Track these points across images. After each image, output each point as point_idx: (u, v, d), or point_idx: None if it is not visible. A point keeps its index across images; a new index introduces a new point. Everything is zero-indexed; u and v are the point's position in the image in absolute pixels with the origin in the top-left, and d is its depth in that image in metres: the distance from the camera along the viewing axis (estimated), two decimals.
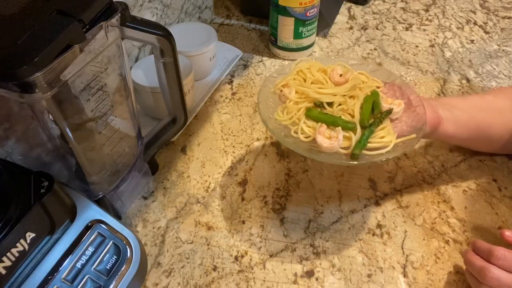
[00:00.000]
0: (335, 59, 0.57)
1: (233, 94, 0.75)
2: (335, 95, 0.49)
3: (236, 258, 0.52)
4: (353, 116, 0.48)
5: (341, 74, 0.52)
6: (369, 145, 0.46)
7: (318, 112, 0.48)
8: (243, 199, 0.58)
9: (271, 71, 0.80)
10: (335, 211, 0.57)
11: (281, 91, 0.51)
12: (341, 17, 0.95)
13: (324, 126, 0.47)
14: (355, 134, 0.46)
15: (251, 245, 0.53)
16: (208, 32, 0.72)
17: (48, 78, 0.35)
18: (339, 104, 0.49)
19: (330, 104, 0.49)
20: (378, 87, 0.52)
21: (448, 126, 0.54)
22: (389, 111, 0.48)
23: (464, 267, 0.48)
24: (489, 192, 0.59)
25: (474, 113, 0.56)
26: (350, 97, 0.50)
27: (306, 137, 0.47)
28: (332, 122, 0.47)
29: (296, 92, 0.50)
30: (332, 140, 0.46)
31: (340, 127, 0.46)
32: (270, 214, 0.57)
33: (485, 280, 0.43)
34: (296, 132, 0.48)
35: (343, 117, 0.48)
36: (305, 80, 0.52)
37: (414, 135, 0.48)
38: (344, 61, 0.56)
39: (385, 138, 0.47)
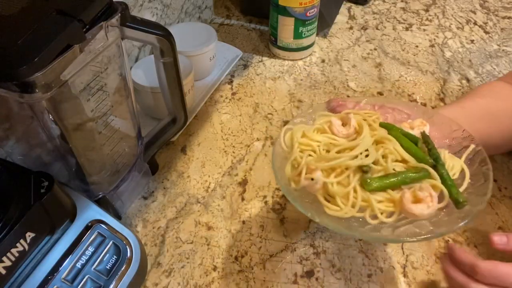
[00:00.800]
0: (310, 112, 0.48)
1: (233, 94, 0.75)
2: (367, 150, 0.40)
3: (236, 258, 0.52)
4: (404, 162, 0.40)
5: (343, 124, 0.44)
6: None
7: (378, 179, 0.39)
8: (243, 199, 0.58)
9: (271, 71, 0.80)
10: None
11: (312, 179, 0.40)
12: (341, 17, 0.95)
13: (407, 191, 0.38)
14: (435, 179, 0.38)
15: (251, 245, 0.53)
16: (208, 32, 0.72)
17: (48, 78, 0.35)
18: (383, 157, 0.40)
19: (374, 162, 0.40)
20: (377, 119, 0.45)
21: None
22: (427, 136, 0.41)
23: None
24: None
25: (475, 125, 0.52)
26: (375, 143, 0.42)
27: (388, 217, 0.38)
28: (403, 181, 0.38)
29: (323, 170, 0.40)
30: (427, 202, 0.37)
31: (423, 182, 0.38)
32: (270, 214, 0.57)
33: None
34: (374, 217, 0.38)
35: (397, 168, 0.39)
36: (314, 152, 0.42)
37: (473, 145, 0.41)
38: (313, 111, 0.47)
39: (456, 166, 0.40)
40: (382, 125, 0.43)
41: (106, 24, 0.39)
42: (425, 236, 0.36)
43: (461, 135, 0.44)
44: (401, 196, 0.37)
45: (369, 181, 0.38)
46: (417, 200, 0.37)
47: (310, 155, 0.42)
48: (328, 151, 0.42)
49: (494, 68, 0.80)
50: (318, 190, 0.40)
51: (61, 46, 0.35)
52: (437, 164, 0.39)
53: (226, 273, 0.50)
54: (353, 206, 0.38)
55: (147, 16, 0.71)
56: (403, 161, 0.40)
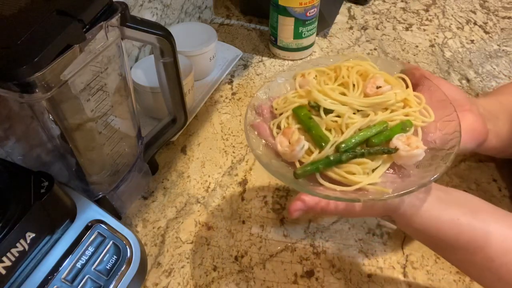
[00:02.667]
0: (390, 60, 0.48)
1: (233, 94, 0.75)
2: (344, 105, 0.41)
3: (236, 258, 0.52)
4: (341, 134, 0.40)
5: (379, 86, 0.42)
6: (331, 174, 0.38)
7: (304, 113, 0.41)
8: (243, 199, 0.58)
9: (271, 71, 0.80)
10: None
11: (303, 75, 0.45)
12: (341, 17, 0.95)
13: (294, 129, 0.40)
14: (319, 152, 0.39)
15: (251, 245, 0.53)
16: (208, 32, 0.72)
17: (48, 78, 0.35)
18: (337, 116, 0.41)
19: (330, 112, 0.41)
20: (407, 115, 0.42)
21: (492, 139, 0.48)
22: (388, 150, 0.38)
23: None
24: (489, 192, 0.59)
25: (507, 125, 0.51)
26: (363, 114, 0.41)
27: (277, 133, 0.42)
28: (308, 129, 0.40)
29: (317, 80, 0.44)
30: (292, 147, 0.39)
31: (303, 136, 0.39)
32: (270, 214, 0.57)
33: None
34: (273, 124, 0.42)
35: (325, 130, 0.40)
36: (336, 79, 0.44)
37: (388, 190, 0.36)
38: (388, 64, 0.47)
39: (354, 176, 0.37)
40: (406, 122, 0.41)
41: (106, 24, 0.39)
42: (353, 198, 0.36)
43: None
44: (288, 127, 0.41)
45: (301, 108, 0.41)
46: (292, 143, 0.39)
47: (324, 71, 0.45)
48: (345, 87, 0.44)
49: (494, 68, 0.80)
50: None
51: (61, 46, 0.35)
52: (341, 153, 0.38)
53: (226, 273, 0.50)
54: (280, 110, 0.44)
55: (147, 16, 0.71)
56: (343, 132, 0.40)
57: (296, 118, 0.41)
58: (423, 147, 0.38)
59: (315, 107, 0.41)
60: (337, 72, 0.45)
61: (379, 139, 0.39)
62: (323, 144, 0.38)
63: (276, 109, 0.44)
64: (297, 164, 0.39)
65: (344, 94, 0.43)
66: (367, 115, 0.40)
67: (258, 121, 0.44)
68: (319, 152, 0.38)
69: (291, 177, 0.38)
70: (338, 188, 0.37)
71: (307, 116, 0.41)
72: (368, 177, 0.37)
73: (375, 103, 0.41)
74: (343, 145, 0.38)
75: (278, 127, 0.43)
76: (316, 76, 0.45)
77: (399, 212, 0.39)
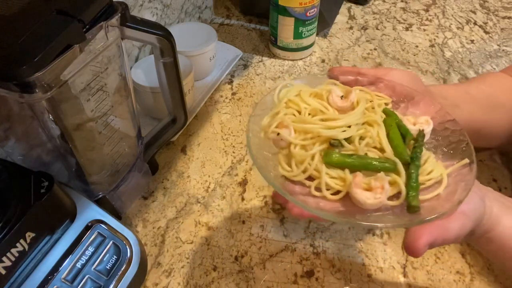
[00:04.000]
0: (321, 76, 0.46)
1: (233, 94, 0.75)
2: (350, 126, 0.38)
3: (236, 258, 0.52)
4: (382, 151, 0.38)
5: (343, 96, 0.41)
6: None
7: (340, 155, 0.36)
8: (243, 199, 0.58)
9: (271, 71, 0.80)
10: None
11: (278, 134, 0.38)
12: (341, 17, 0.95)
13: (360, 175, 0.35)
14: (400, 176, 0.35)
15: (251, 245, 0.53)
16: (208, 32, 0.72)
17: (48, 78, 0.35)
18: (361, 138, 0.38)
19: (348, 139, 0.38)
20: (386, 104, 0.42)
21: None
22: (422, 135, 0.38)
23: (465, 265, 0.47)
24: None
25: (475, 113, 0.53)
26: (364, 123, 0.39)
27: (333, 194, 0.36)
28: (365, 166, 0.36)
29: (296, 131, 0.38)
30: (376, 193, 0.34)
31: (381, 173, 0.35)
32: (270, 214, 0.57)
33: None
34: (318, 189, 0.36)
35: (371, 154, 0.37)
36: (299, 112, 0.40)
37: (466, 160, 0.37)
38: (323, 76, 0.46)
39: (434, 172, 0.36)
40: (385, 110, 0.41)
41: (106, 24, 0.39)
42: (349, 220, 0.34)
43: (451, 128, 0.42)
44: (353, 176, 0.35)
45: (330, 154, 0.37)
46: (368, 189, 0.35)
47: (293, 114, 0.40)
48: (312, 116, 0.40)
49: (494, 68, 0.80)
50: (283, 148, 0.39)
51: (61, 46, 0.35)
52: (411, 163, 0.36)
53: (226, 273, 0.50)
54: (304, 171, 0.37)
55: (147, 16, 0.71)
56: (381, 150, 0.38)
57: (334, 166, 0.37)
58: (429, 118, 0.39)
59: (336, 144, 0.37)
60: (292, 106, 0.41)
61: (408, 132, 0.39)
62: (393, 166, 0.36)
63: (295, 176, 0.38)
64: (389, 203, 0.35)
65: (327, 120, 0.39)
66: (364, 123, 0.40)
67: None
68: (399, 175, 0.36)
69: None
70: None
71: (347, 156, 0.37)
72: (439, 165, 0.37)
73: (363, 110, 0.40)
74: (404, 153, 0.37)
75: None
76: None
77: (475, 236, 0.37)
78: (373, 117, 0.39)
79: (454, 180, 0.36)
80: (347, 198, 0.36)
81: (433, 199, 0.35)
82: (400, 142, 0.38)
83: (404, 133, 0.39)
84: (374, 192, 0.35)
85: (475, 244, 0.42)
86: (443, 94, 0.53)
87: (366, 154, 0.37)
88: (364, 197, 0.34)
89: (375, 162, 0.36)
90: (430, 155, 0.38)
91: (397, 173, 0.36)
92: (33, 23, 0.34)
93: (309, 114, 0.40)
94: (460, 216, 0.35)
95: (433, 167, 0.37)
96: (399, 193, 0.35)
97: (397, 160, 0.36)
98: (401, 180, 0.35)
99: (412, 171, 0.36)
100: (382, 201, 0.34)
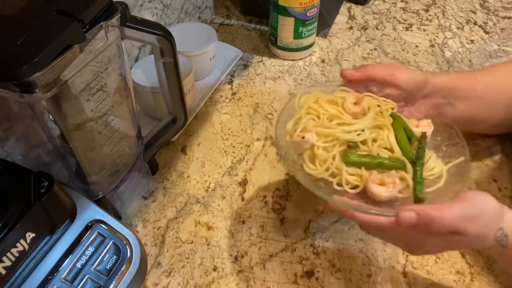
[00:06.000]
0: (334, 83, 0.52)
1: (233, 94, 0.75)
2: (363, 130, 0.44)
3: (236, 258, 0.52)
4: (391, 151, 0.44)
5: (355, 102, 0.47)
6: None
7: (357, 155, 0.43)
8: (243, 199, 0.58)
9: (271, 71, 0.80)
10: (335, 211, 0.57)
11: (303, 137, 0.44)
12: (341, 17, 0.95)
13: (375, 172, 0.42)
14: (407, 172, 0.42)
15: (251, 245, 0.53)
16: (208, 32, 0.72)
17: (48, 78, 0.35)
18: (373, 140, 0.44)
19: (362, 141, 0.44)
20: (392, 109, 0.48)
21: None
22: (425, 137, 0.44)
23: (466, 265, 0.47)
24: (489, 192, 0.58)
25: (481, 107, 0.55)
26: (375, 127, 0.45)
27: (352, 188, 0.43)
28: (378, 165, 0.42)
29: (317, 135, 0.44)
30: (388, 187, 0.41)
31: (393, 170, 0.42)
32: (270, 214, 0.57)
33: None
34: (339, 185, 0.43)
35: (382, 154, 0.43)
36: (318, 117, 0.46)
37: (462, 158, 0.43)
38: (337, 84, 0.51)
39: (436, 169, 0.43)
40: (392, 114, 0.46)
41: (106, 24, 0.39)
42: (370, 211, 0.39)
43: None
44: (370, 174, 0.42)
45: (349, 154, 0.43)
46: (381, 184, 0.41)
47: (313, 118, 0.46)
48: (330, 121, 0.46)
49: None
50: (306, 149, 0.45)
51: (61, 46, 0.35)
52: (417, 162, 0.42)
53: (226, 273, 0.50)
54: (327, 170, 0.43)
55: (147, 16, 0.71)
56: (391, 150, 0.44)
57: (352, 164, 0.43)
58: (430, 122, 0.46)
59: (353, 146, 0.44)
60: (312, 112, 0.47)
61: (413, 134, 0.45)
62: (402, 164, 0.42)
63: (319, 173, 0.44)
64: (399, 196, 0.42)
65: (343, 124, 0.45)
66: (375, 127, 0.45)
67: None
68: (407, 172, 0.42)
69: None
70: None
71: (363, 156, 0.43)
72: (439, 162, 0.44)
73: (375, 114, 0.45)
74: (410, 153, 0.43)
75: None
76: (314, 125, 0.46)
77: (489, 245, 0.40)
78: (383, 122, 0.45)
79: (452, 174, 0.43)
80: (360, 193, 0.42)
81: (435, 192, 0.42)
82: (407, 144, 0.44)
83: (409, 135, 0.45)
84: (387, 186, 0.41)
85: (493, 254, 0.44)
86: (447, 86, 0.54)
87: (378, 154, 0.43)
88: (380, 190, 0.41)
89: (387, 161, 0.43)
90: (432, 154, 0.45)
91: (405, 170, 0.42)
92: (33, 23, 0.34)
93: (327, 118, 0.46)
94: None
95: (435, 164, 0.43)
96: (407, 186, 0.42)
97: (405, 160, 0.43)
98: (409, 177, 0.42)
99: (418, 168, 0.42)
100: (394, 194, 0.41)
